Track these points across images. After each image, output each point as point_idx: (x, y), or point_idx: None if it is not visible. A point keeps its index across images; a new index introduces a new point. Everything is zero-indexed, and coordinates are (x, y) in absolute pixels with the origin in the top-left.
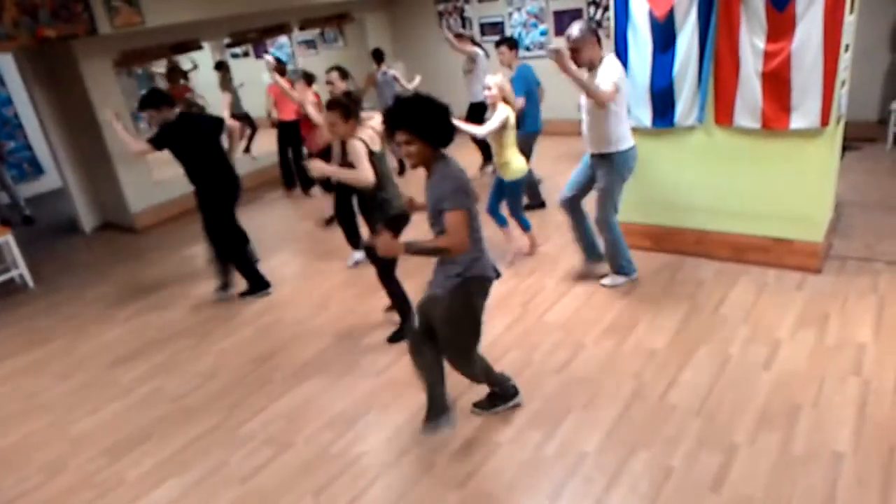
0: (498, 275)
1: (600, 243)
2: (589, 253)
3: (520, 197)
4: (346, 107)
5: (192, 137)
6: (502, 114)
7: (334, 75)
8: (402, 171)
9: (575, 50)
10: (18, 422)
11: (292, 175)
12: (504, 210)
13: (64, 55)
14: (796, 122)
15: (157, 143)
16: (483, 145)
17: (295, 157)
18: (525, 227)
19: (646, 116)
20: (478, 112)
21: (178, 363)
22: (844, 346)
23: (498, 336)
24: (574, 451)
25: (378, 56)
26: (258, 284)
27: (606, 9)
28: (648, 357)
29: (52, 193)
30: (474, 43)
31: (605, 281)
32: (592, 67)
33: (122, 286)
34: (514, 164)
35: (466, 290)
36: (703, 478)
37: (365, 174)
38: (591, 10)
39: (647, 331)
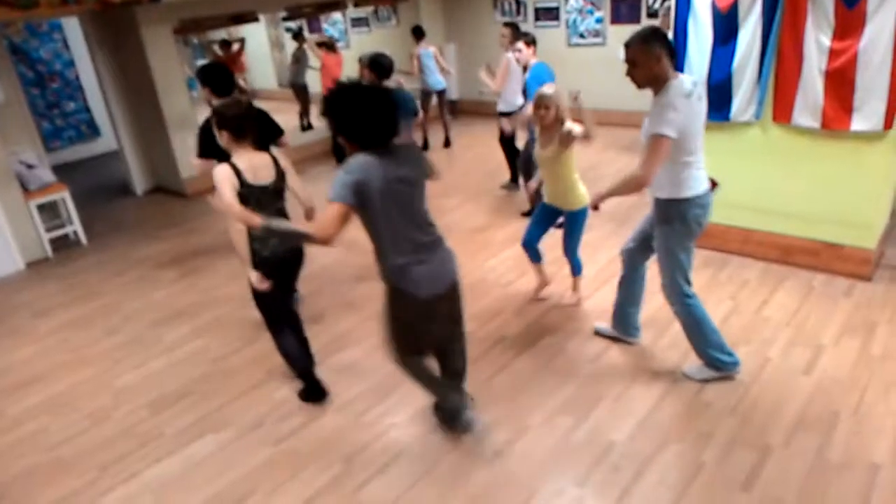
0: (436, 296)
1: (639, 319)
2: (616, 322)
3: (582, 232)
4: None
5: None
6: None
7: None
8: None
9: (632, 63)
10: (67, 372)
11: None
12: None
13: (127, 21)
14: (858, 123)
15: None
16: (513, 160)
17: None
18: (577, 270)
19: None
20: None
21: (220, 326)
22: (890, 357)
23: (539, 315)
24: (603, 440)
25: (418, 33)
26: None
27: None
28: (685, 353)
29: (108, 155)
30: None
31: (688, 369)
32: (657, 91)
33: (169, 249)
34: (579, 189)
35: (389, 298)
36: (735, 476)
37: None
38: None
39: None
